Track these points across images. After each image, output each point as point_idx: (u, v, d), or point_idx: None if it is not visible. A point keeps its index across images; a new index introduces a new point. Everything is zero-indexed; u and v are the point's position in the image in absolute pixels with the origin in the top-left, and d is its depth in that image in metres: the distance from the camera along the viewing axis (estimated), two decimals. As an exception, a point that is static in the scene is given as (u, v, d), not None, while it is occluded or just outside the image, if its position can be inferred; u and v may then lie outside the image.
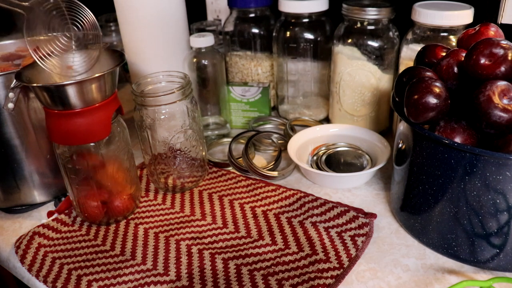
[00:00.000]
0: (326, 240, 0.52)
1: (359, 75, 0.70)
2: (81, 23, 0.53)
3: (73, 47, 0.54)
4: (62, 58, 0.54)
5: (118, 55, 0.57)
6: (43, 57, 0.52)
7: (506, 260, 0.46)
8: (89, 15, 0.53)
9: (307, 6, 0.73)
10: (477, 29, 0.51)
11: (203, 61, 0.75)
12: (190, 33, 0.79)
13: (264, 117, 0.82)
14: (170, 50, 0.75)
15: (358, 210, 0.56)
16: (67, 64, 0.55)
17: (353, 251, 0.50)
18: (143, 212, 0.61)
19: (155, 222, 0.58)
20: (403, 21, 0.68)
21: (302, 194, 0.60)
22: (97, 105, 0.51)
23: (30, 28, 0.51)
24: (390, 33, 0.69)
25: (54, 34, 0.53)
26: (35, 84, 0.49)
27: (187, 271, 0.50)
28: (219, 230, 0.56)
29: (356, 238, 0.52)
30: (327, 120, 0.83)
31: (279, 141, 0.74)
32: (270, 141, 0.74)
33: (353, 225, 0.54)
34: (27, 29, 0.51)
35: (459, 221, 0.46)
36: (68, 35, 0.53)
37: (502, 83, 0.42)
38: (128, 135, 0.59)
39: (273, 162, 0.69)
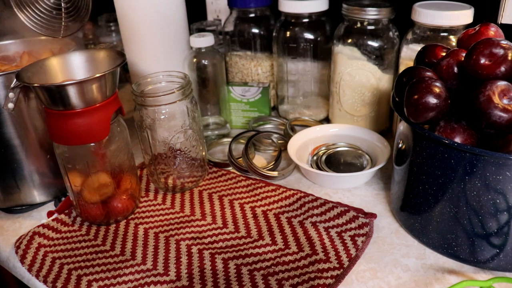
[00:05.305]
0: (326, 240, 0.52)
1: (359, 75, 0.70)
2: None
3: (63, 4, 0.53)
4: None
5: (118, 55, 0.57)
6: (34, 20, 0.51)
7: (506, 260, 0.46)
8: None
9: (307, 6, 0.73)
10: (477, 29, 0.51)
11: (203, 61, 0.75)
12: (190, 33, 0.79)
13: (264, 117, 0.82)
14: (170, 50, 0.75)
15: (358, 210, 0.56)
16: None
17: (353, 251, 0.50)
18: (143, 212, 0.61)
19: (155, 222, 0.58)
20: (403, 21, 0.68)
21: (302, 194, 0.60)
22: (97, 105, 0.51)
23: None
24: (390, 33, 0.69)
25: None
26: (35, 84, 0.49)
27: (187, 271, 0.50)
28: (219, 230, 0.56)
29: (356, 238, 0.52)
30: (327, 120, 0.83)
31: (279, 141, 0.74)
32: (270, 141, 0.74)
33: (353, 225, 0.54)
34: None
35: (459, 221, 0.46)
36: None
37: (502, 83, 0.42)
38: (128, 135, 0.59)
39: (273, 162, 0.69)
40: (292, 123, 0.80)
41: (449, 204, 0.46)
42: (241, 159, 0.68)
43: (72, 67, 0.58)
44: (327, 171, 0.64)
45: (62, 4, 0.53)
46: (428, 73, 0.49)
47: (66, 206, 0.61)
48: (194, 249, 0.53)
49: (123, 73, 1.03)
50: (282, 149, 0.72)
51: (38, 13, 0.52)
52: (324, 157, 0.68)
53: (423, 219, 0.50)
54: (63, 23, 0.54)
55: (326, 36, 0.77)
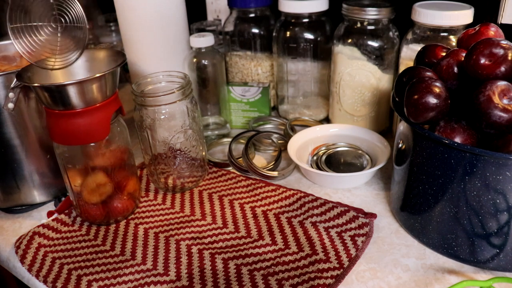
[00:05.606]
0: (326, 240, 0.52)
1: (359, 75, 0.70)
2: (68, 15, 0.52)
3: (59, 38, 0.53)
4: (45, 48, 0.53)
5: (118, 55, 0.57)
6: (27, 49, 0.51)
7: (506, 260, 0.46)
8: (76, 7, 0.52)
9: (307, 6, 0.73)
10: (477, 29, 0.51)
11: (203, 61, 0.75)
12: (190, 33, 0.79)
13: (264, 117, 0.82)
14: (170, 50, 0.75)
15: (358, 210, 0.56)
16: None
17: (353, 251, 0.50)
18: (143, 212, 0.61)
19: (155, 222, 0.58)
20: (403, 21, 0.68)
21: (302, 194, 0.60)
22: (97, 105, 0.51)
23: (14, 16, 0.50)
24: (390, 33, 0.69)
25: (40, 23, 0.52)
26: (36, 84, 0.49)
27: (187, 271, 0.50)
28: (219, 230, 0.56)
29: (356, 238, 0.52)
30: (327, 120, 0.83)
31: (279, 141, 0.74)
32: (270, 141, 0.74)
33: (353, 225, 0.54)
34: (10, 17, 0.50)
35: (459, 221, 0.46)
36: (54, 26, 0.53)
37: (502, 83, 0.42)
38: (128, 135, 0.59)
39: (273, 162, 0.69)
40: (292, 123, 0.80)
41: (449, 204, 0.46)
42: (241, 159, 0.68)
43: (72, 67, 0.58)
44: (327, 171, 0.64)
45: (58, 36, 0.53)
46: (428, 73, 0.49)
47: (66, 206, 0.61)
48: (194, 249, 0.53)
49: (123, 73, 1.03)
50: (282, 149, 0.72)
51: (33, 43, 0.52)
52: (324, 157, 0.68)
53: (423, 219, 0.50)
54: (56, 54, 0.54)
55: (326, 36, 0.77)
